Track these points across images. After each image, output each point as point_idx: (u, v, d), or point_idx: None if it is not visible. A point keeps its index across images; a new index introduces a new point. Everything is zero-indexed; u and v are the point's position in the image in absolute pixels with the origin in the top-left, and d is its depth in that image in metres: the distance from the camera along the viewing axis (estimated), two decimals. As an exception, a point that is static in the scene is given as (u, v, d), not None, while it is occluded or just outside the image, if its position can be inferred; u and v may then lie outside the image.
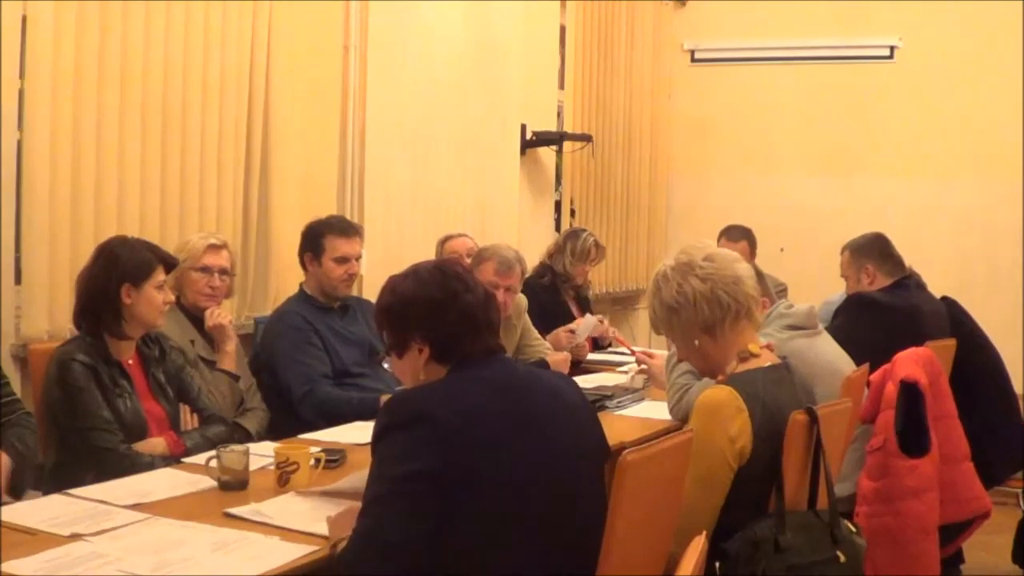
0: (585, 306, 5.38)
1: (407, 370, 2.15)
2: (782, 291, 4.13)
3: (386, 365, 3.62)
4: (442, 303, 2.09)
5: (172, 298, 3.09)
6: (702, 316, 2.45)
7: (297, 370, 3.62)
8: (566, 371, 4.26)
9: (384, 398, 3.41)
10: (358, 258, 3.83)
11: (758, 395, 2.32)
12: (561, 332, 4.71)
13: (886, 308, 3.99)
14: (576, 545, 2.01)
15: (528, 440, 1.98)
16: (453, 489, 1.90)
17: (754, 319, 2.49)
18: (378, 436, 1.99)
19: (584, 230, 5.30)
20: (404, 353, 2.13)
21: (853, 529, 2.40)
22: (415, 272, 2.18)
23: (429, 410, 1.94)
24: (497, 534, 1.94)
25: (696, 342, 2.49)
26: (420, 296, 2.12)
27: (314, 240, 3.78)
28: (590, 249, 5.18)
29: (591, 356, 4.88)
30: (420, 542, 1.91)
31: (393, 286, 2.18)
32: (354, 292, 4.03)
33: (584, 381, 4.20)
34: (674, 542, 2.17)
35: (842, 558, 2.29)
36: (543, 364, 4.27)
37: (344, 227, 3.83)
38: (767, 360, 2.45)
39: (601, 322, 4.93)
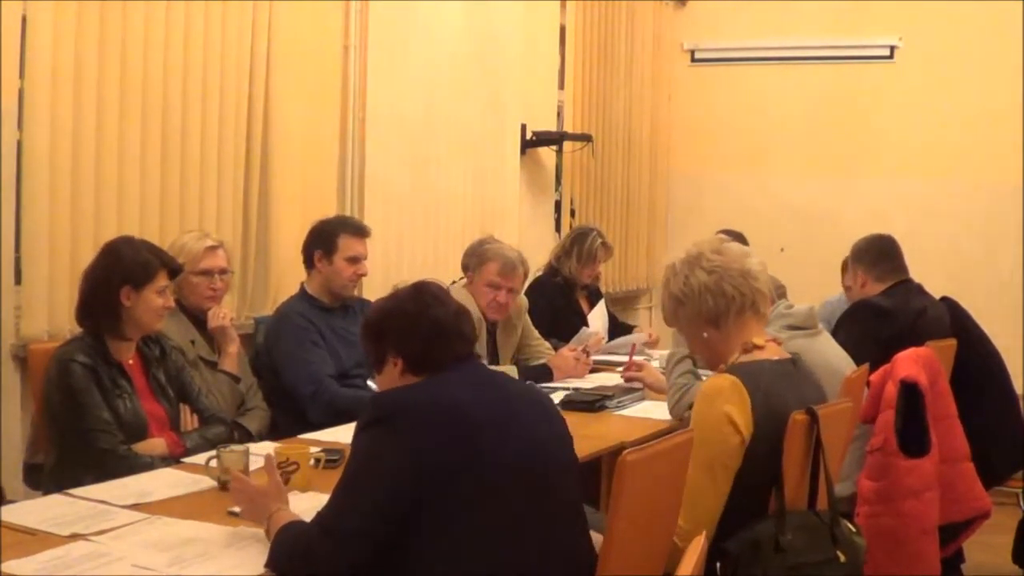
0: (596, 302, 5.32)
1: (386, 384, 2.26)
2: (780, 291, 4.12)
3: (371, 384, 3.61)
4: (412, 315, 2.20)
5: (172, 304, 3.08)
6: (707, 308, 2.46)
7: (302, 370, 3.61)
8: (572, 370, 4.24)
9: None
10: (366, 259, 3.84)
11: (760, 385, 2.33)
12: (567, 352, 4.40)
13: (889, 314, 3.97)
14: (557, 529, 2.07)
15: (509, 427, 2.06)
16: (429, 479, 1.95)
17: (760, 313, 2.50)
18: (356, 433, 2.07)
19: (592, 230, 5.19)
20: (383, 367, 2.24)
21: (853, 529, 2.40)
22: (393, 293, 2.35)
23: (406, 404, 2.04)
24: (478, 518, 1.97)
25: (704, 334, 2.50)
26: (394, 311, 2.25)
27: (327, 238, 3.79)
28: (596, 252, 5.09)
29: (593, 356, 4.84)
30: (377, 537, 1.95)
31: (373, 306, 2.36)
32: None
33: (584, 381, 4.20)
34: (677, 535, 2.18)
35: (842, 558, 2.30)
36: (545, 369, 4.24)
37: (358, 227, 3.86)
38: (773, 353, 2.45)
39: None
